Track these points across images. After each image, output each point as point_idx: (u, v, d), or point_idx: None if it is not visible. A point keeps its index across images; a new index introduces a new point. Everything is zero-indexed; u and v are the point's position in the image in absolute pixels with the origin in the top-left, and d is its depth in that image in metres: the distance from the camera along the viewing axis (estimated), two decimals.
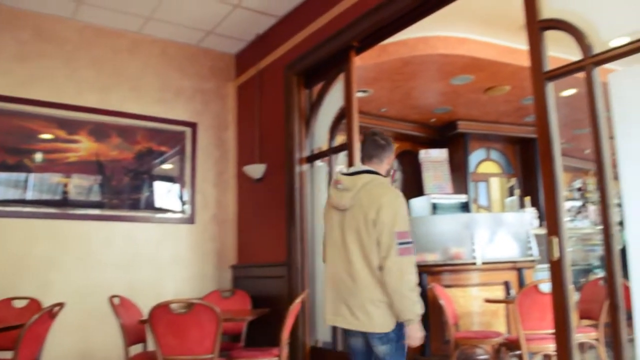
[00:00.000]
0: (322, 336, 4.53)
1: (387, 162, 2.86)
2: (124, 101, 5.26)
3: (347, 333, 2.79)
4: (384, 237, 2.54)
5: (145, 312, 3.58)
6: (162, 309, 3.27)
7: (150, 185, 5.31)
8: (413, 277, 2.51)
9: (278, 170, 4.94)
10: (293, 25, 4.95)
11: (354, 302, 2.62)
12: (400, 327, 2.56)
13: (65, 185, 4.88)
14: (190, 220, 5.48)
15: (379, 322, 2.55)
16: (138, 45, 5.44)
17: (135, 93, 5.35)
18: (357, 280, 2.61)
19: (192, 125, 5.64)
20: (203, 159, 5.67)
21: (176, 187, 5.46)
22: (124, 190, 5.14)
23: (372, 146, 2.83)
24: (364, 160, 2.85)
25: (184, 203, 5.47)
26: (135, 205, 5.19)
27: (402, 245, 2.51)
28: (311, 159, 4.73)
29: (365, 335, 2.66)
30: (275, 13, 5.06)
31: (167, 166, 5.45)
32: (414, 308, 2.48)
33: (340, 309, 2.69)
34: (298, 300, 3.94)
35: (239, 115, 5.87)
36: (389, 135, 8.81)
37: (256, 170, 5.15)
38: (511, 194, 8.64)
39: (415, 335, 2.54)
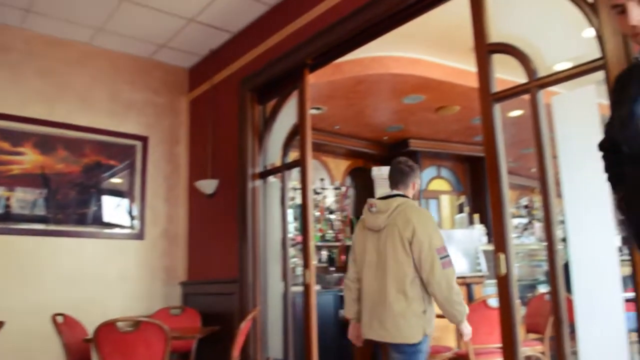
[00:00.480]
0: (274, 353, 4.48)
1: (413, 186, 3.18)
2: (72, 113, 5.12)
3: (384, 346, 3.10)
4: (424, 254, 2.84)
5: (90, 330, 3.47)
6: (108, 327, 3.17)
7: (98, 200, 5.17)
8: (456, 285, 2.84)
9: (230, 186, 4.90)
10: (248, 42, 4.95)
11: (385, 315, 2.89)
12: (418, 343, 2.83)
13: (8, 199, 4.69)
14: (140, 235, 5.36)
15: (407, 334, 2.83)
16: (88, 56, 5.32)
17: (84, 105, 5.21)
18: (389, 295, 2.88)
19: (143, 139, 5.53)
20: (154, 173, 5.56)
21: (125, 201, 5.33)
22: (70, 204, 4.99)
23: (398, 173, 3.17)
24: (392, 186, 3.18)
25: (133, 218, 5.35)
26: (81, 220, 5.03)
27: (443, 259, 2.83)
28: (264, 174, 4.71)
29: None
30: (230, 29, 5.05)
31: (116, 180, 5.32)
32: (463, 310, 2.85)
33: (373, 323, 2.96)
34: (249, 317, 3.89)
35: (192, 130, 5.81)
36: (341, 152, 8.83)
37: (208, 185, 5.09)
38: (461, 211, 8.83)
39: (466, 331, 2.96)
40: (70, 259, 4.89)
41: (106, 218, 5.18)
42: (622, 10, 1.52)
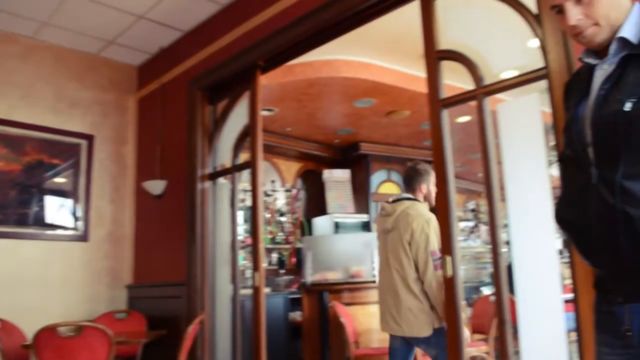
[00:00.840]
0: (222, 357, 4.43)
1: (420, 188, 3.41)
2: (12, 109, 4.90)
3: (390, 336, 3.37)
4: (420, 255, 3.11)
5: (30, 336, 3.34)
6: (48, 332, 3.07)
7: (40, 200, 4.98)
8: None
9: (179, 187, 4.82)
10: (199, 41, 4.89)
11: (396, 311, 3.16)
12: (441, 333, 3.00)
13: None
14: (84, 237, 5.19)
15: (417, 328, 3.08)
16: (32, 51, 5.12)
17: (26, 101, 5.01)
18: (398, 293, 3.16)
19: (89, 138, 5.37)
20: (99, 173, 5.40)
21: (69, 202, 5.16)
22: (9, 204, 4.78)
23: (406, 177, 3.46)
24: (404, 189, 3.47)
25: (77, 219, 5.17)
26: (22, 221, 4.83)
27: (436, 261, 3.06)
28: (214, 176, 4.66)
29: (406, 339, 3.22)
30: (181, 27, 4.97)
31: (59, 180, 5.14)
32: None
33: (386, 317, 3.26)
34: (196, 321, 3.84)
35: (140, 129, 5.68)
36: (293, 154, 8.85)
37: (156, 186, 4.98)
38: None
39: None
40: (9, 261, 4.69)
41: (48, 219, 5.00)
42: (559, 10, 1.53)
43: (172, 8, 4.61)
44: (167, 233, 4.98)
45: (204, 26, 4.88)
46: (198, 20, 4.86)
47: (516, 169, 2.68)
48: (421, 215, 3.23)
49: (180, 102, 4.97)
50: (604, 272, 1.53)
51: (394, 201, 3.40)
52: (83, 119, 5.37)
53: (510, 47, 2.99)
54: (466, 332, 3.03)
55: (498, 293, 2.59)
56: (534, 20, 2.58)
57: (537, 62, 2.55)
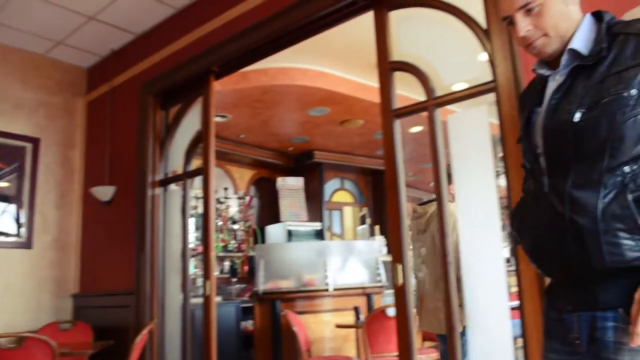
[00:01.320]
0: None
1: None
2: None
3: None
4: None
5: None
6: None
7: None
8: None
9: (129, 193, 4.71)
10: (151, 44, 4.80)
11: (429, 308, 3.28)
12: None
13: None
14: (27, 244, 5.00)
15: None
16: None
17: None
18: (430, 291, 3.29)
19: (34, 141, 5.18)
20: (45, 178, 5.22)
21: (12, 207, 4.96)
22: None
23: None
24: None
25: (20, 225, 4.98)
26: None
27: None
28: (165, 182, 4.58)
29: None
30: (133, 30, 4.88)
31: (2, 184, 4.94)
32: None
33: (421, 315, 3.41)
34: (145, 331, 3.75)
35: (88, 133, 5.53)
36: (246, 161, 8.81)
37: (105, 192, 4.86)
38: (363, 222, 9.05)
39: None
40: None
41: None
42: (510, 22, 1.55)
43: (125, 10, 4.52)
44: (116, 240, 4.85)
45: (157, 30, 4.80)
46: (151, 24, 4.78)
47: (465, 179, 2.75)
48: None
49: (131, 106, 4.87)
50: (554, 280, 1.57)
51: (424, 203, 3.54)
52: (28, 122, 5.18)
53: (461, 60, 3.06)
54: None
55: (447, 300, 2.64)
56: (484, 35, 2.66)
57: (486, 76, 2.62)
